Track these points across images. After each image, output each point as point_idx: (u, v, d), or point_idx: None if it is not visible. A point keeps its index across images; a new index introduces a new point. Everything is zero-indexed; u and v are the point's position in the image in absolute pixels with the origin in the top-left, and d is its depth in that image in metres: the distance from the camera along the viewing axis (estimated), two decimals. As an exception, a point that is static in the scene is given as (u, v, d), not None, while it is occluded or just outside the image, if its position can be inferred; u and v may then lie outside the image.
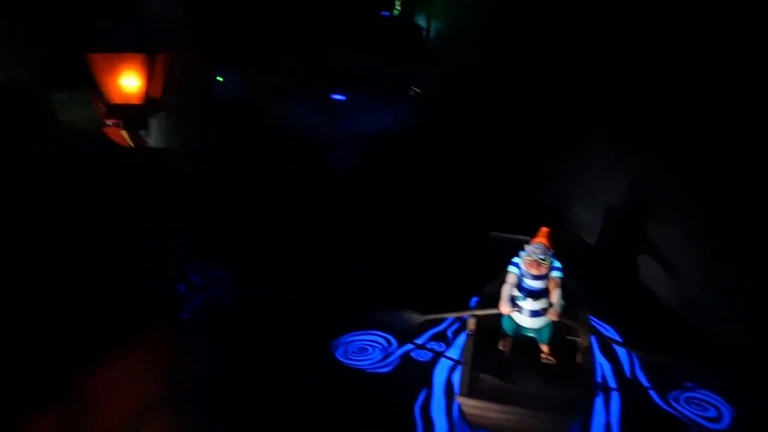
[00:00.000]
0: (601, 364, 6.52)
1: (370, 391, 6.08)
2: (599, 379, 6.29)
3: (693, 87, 7.04)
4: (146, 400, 5.85)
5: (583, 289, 7.03)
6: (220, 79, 9.88)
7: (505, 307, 6.06)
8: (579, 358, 6.04)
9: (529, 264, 6.02)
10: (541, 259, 5.98)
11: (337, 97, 12.19)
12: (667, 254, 7.45)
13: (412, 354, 6.65)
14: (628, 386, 6.21)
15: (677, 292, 7.33)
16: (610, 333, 7.03)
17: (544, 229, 6.31)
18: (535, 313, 6.07)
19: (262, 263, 8.27)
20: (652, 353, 6.36)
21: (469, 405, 5.37)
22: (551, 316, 6.01)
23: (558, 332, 6.19)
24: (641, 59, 7.81)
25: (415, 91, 13.36)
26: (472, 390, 5.46)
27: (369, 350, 6.69)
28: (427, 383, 6.17)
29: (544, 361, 6.11)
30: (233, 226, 9.02)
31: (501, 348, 6.22)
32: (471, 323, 6.30)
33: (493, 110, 11.84)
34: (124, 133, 8.88)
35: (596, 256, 8.61)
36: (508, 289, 6.15)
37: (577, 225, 9.27)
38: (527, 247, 6.11)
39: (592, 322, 7.02)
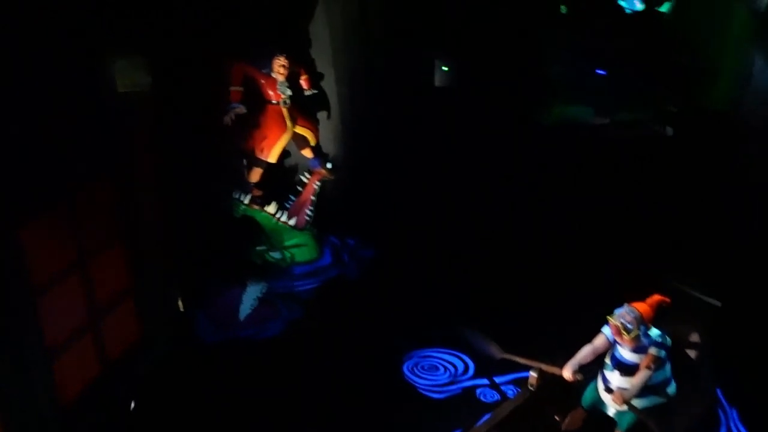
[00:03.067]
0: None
1: (403, 413, 5.65)
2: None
3: None
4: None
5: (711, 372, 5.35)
6: (445, 68, 9.79)
7: (567, 370, 4.98)
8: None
9: (613, 328, 4.84)
10: (626, 327, 4.73)
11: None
12: None
13: (478, 391, 5.93)
14: None
15: None
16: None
17: (655, 297, 4.93)
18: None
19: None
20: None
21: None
22: (614, 399, 4.74)
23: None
24: None
25: None
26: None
27: (439, 371, 6.19)
28: (467, 426, 5.46)
29: (599, 451, 4.86)
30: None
31: (557, 418, 5.12)
32: (533, 377, 5.30)
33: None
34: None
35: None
36: (585, 351, 5.05)
37: None
38: (621, 308, 4.89)
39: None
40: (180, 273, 6.26)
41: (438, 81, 9.81)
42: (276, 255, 7.89)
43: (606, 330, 4.99)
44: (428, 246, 8.33)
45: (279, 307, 7.08)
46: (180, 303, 5.96)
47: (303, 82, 7.84)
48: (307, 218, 8.08)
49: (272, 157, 7.56)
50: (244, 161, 7.64)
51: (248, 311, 6.84)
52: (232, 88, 7.19)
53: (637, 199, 8.95)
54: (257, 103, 7.46)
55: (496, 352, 5.93)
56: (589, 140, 10.09)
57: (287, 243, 7.91)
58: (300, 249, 7.98)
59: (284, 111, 7.53)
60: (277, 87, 7.39)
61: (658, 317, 4.86)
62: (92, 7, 4.43)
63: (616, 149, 10.06)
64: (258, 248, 7.89)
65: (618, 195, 8.79)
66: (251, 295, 6.92)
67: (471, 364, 6.23)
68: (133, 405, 4.54)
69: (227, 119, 7.13)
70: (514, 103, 9.74)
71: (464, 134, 9.41)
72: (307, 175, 8.21)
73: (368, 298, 7.41)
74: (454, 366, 6.25)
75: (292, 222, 7.88)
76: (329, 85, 8.31)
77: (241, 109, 7.22)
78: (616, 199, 8.65)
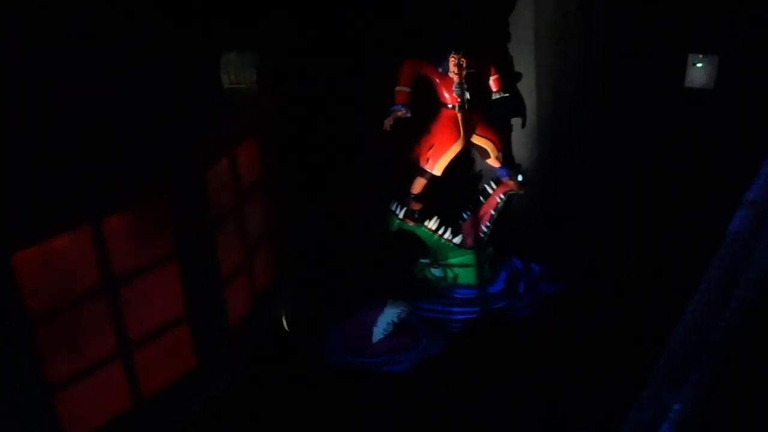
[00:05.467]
0: None
1: None
2: None
3: None
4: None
5: None
6: (698, 65, 7.60)
7: None
8: None
9: None
10: None
11: None
12: None
13: None
14: None
15: None
16: None
17: None
18: None
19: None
20: None
21: None
22: None
23: None
24: None
25: None
26: None
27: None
28: None
29: None
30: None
31: None
32: None
33: None
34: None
35: None
36: None
37: None
38: None
39: None
40: (291, 289, 5.81)
41: (689, 81, 7.70)
42: (437, 272, 6.99)
43: None
44: (626, 294, 6.60)
45: (420, 336, 6.23)
46: (285, 322, 5.48)
47: (492, 84, 6.69)
48: (483, 235, 6.98)
49: (437, 170, 6.59)
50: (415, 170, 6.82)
51: (381, 336, 6.13)
52: (398, 89, 6.36)
53: None
54: (430, 106, 6.55)
55: None
56: None
57: (452, 260, 6.95)
58: (465, 270, 6.95)
59: (459, 117, 6.47)
60: (453, 89, 6.35)
61: None
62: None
63: None
64: (422, 260, 7.10)
65: None
66: (388, 317, 6.16)
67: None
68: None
69: (387, 123, 6.34)
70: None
71: (712, 155, 7.22)
72: (493, 186, 7.10)
73: (530, 345, 6.13)
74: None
75: (457, 240, 6.87)
76: (527, 88, 6.99)
77: (404, 113, 6.36)
78: None
